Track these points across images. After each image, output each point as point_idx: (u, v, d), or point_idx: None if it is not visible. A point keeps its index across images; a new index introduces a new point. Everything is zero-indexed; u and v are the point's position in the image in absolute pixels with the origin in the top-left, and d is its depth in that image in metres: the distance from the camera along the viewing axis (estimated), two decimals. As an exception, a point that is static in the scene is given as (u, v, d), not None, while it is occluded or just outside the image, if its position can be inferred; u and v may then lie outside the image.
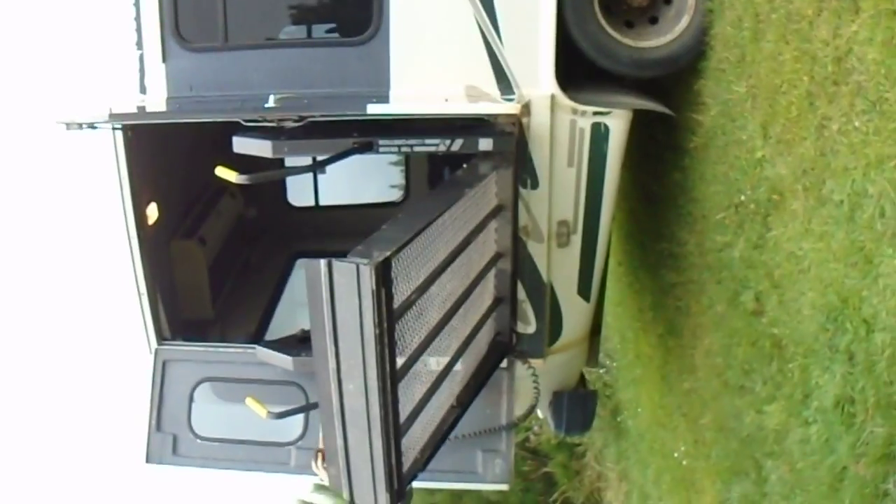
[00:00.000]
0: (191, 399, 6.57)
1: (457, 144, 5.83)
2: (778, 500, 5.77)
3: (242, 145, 5.91)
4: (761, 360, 5.86)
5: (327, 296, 4.33)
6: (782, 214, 5.36)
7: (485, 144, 5.88)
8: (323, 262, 4.33)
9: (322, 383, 4.52)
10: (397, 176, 9.80)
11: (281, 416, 6.09)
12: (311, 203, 9.47)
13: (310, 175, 8.66)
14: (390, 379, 4.41)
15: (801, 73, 4.94)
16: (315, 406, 5.81)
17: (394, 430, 4.53)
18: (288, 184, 9.48)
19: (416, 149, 5.94)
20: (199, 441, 6.56)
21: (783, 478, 5.67)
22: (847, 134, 4.49)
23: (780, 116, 5.26)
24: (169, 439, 6.54)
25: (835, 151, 4.63)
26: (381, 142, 5.81)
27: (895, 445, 4.33)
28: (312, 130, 6.07)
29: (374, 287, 4.20)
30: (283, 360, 6.01)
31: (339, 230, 9.21)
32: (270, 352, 6.13)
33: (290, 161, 7.29)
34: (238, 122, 5.94)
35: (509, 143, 6.00)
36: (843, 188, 4.55)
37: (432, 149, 5.90)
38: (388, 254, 4.36)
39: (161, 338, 6.64)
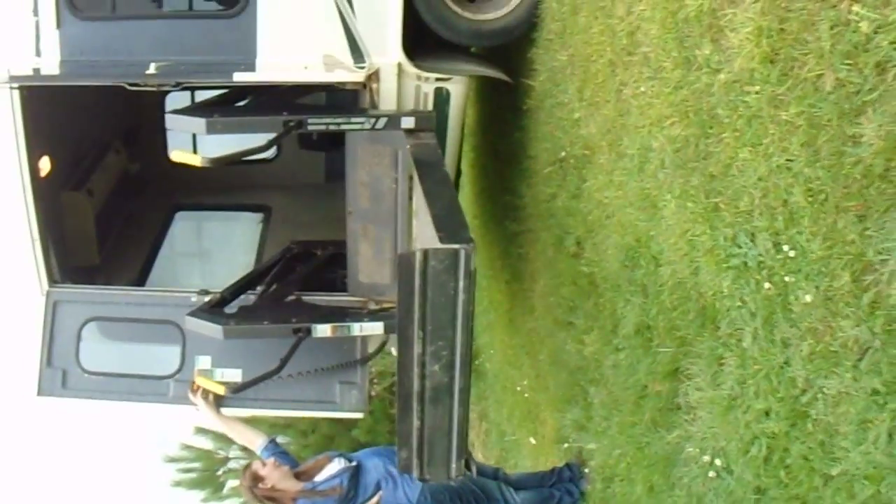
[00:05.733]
0: (79, 337, 6.92)
1: (381, 122, 6.28)
2: (601, 422, 6.29)
3: (176, 122, 6.38)
4: (582, 297, 6.47)
5: (420, 283, 4.52)
6: (592, 168, 6.01)
7: (407, 122, 6.35)
8: (419, 251, 4.53)
9: (405, 370, 4.72)
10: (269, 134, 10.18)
11: (238, 389, 6.46)
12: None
13: (189, 134, 8.83)
14: (470, 352, 4.75)
15: (605, 45, 5.58)
16: (267, 377, 6.29)
17: (468, 399, 4.88)
18: (169, 142, 9.77)
19: (343, 126, 6.31)
20: (86, 375, 6.90)
21: (603, 401, 6.22)
22: (637, 97, 5.14)
23: (590, 82, 5.90)
24: (59, 374, 6.89)
25: (629, 112, 5.28)
26: (310, 120, 6.19)
27: (679, 363, 4.90)
28: (244, 109, 6.59)
29: (473, 267, 4.52)
30: (214, 330, 6.22)
31: (216, 185, 9.60)
32: (200, 321, 6.32)
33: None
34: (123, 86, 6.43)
35: (430, 120, 6.51)
36: (634, 144, 5.21)
37: (357, 127, 6.29)
38: (471, 236, 4.65)
39: (52, 281, 6.97)
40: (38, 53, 6.65)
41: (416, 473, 5.05)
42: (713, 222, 4.38)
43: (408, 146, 6.23)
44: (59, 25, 6.63)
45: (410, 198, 6.40)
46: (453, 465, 5.01)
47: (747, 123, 3.98)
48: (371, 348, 6.90)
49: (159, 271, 8.73)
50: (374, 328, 6.26)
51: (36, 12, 6.59)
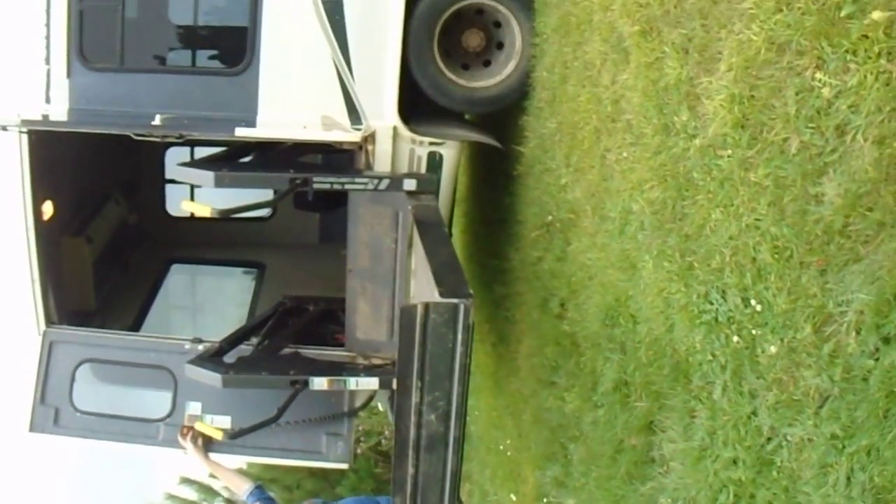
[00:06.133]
0: (73, 377, 7.05)
1: (384, 184, 6.51)
2: (579, 477, 6.36)
3: (184, 174, 6.63)
4: (564, 357, 6.59)
5: (420, 335, 4.70)
6: (577, 231, 6.19)
7: (409, 185, 6.58)
8: (420, 304, 4.72)
9: (402, 418, 4.88)
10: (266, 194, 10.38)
11: (236, 435, 6.59)
12: (188, 214, 9.85)
13: (187, 187, 9.12)
14: (465, 403, 4.90)
15: (591, 112, 5.80)
16: (264, 425, 6.43)
17: (462, 448, 5.03)
18: (167, 195, 10.07)
19: (347, 186, 6.53)
20: (78, 414, 7.02)
21: (582, 457, 6.29)
22: (620, 162, 5.34)
23: (577, 148, 6.11)
24: (51, 411, 7.00)
25: (612, 177, 5.48)
26: (315, 178, 6.38)
27: (654, 417, 5.02)
28: (249, 164, 6.79)
29: (472, 321, 4.72)
30: (213, 378, 6.29)
31: (211, 240, 9.83)
32: (199, 369, 6.40)
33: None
34: (129, 136, 6.65)
35: (431, 183, 6.76)
36: (616, 207, 5.39)
37: (361, 187, 6.52)
38: (470, 291, 4.85)
39: (49, 321, 7.13)
40: (47, 101, 6.89)
41: None
42: (687, 280, 4.55)
43: (409, 207, 6.42)
44: (69, 75, 6.89)
45: (409, 255, 6.58)
46: None
47: (720, 185, 4.18)
48: (358, 402, 7.04)
49: (153, 320, 8.86)
50: (370, 383, 6.36)
51: (47, 61, 6.84)
